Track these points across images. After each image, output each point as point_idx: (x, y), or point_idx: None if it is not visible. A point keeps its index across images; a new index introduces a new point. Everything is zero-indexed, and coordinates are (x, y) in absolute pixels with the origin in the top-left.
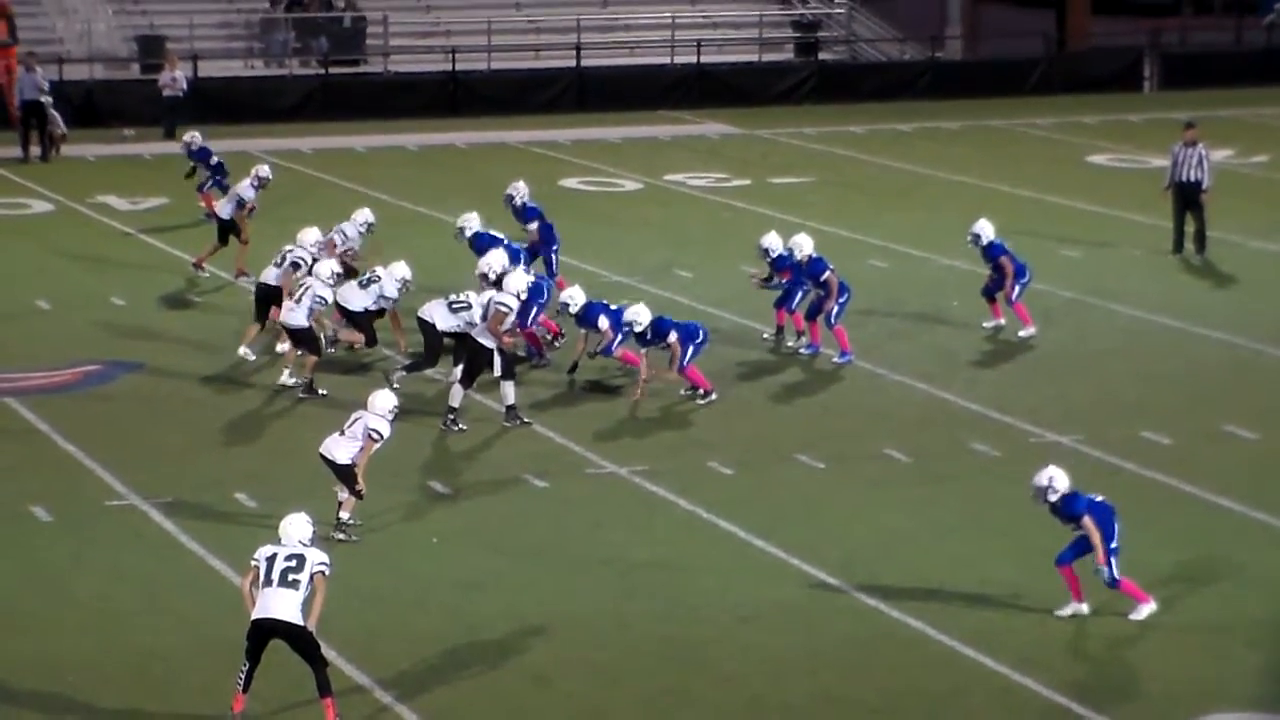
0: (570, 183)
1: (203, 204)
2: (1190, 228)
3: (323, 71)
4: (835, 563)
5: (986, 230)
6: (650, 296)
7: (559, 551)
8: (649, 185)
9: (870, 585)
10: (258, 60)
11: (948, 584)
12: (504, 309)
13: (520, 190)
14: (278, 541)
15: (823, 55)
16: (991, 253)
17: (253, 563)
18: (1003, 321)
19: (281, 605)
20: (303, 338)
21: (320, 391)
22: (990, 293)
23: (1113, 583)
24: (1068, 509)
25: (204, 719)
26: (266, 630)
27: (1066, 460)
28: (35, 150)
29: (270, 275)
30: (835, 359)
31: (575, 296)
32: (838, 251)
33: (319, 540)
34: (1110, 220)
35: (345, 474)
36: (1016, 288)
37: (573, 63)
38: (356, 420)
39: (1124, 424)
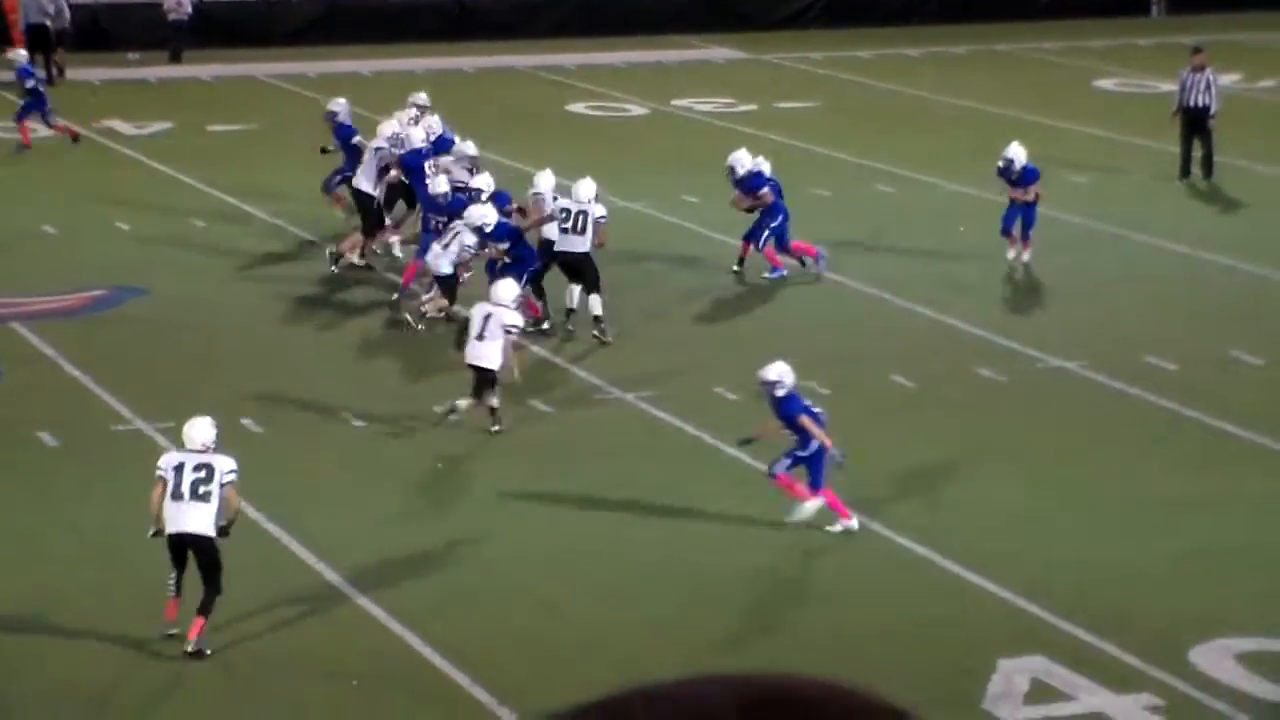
0: (577, 107)
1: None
2: (1198, 153)
3: None
4: (839, 488)
5: (1020, 154)
6: (657, 221)
7: (565, 477)
8: (656, 110)
9: (874, 511)
10: None
11: (953, 510)
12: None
13: (741, 160)
14: (183, 448)
15: None
16: (1027, 177)
17: (159, 473)
18: (1026, 255)
19: (194, 519)
20: (445, 283)
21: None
22: (1010, 225)
23: (816, 485)
24: (787, 407)
25: (210, 637)
26: (183, 545)
27: (1073, 385)
28: (41, 74)
29: (364, 182)
30: (766, 274)
31: None
32: (844, 176)
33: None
34: (1117, 145)
35: (493, 378)
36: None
37: None
38: (488, 318)
39: (1129, 350)
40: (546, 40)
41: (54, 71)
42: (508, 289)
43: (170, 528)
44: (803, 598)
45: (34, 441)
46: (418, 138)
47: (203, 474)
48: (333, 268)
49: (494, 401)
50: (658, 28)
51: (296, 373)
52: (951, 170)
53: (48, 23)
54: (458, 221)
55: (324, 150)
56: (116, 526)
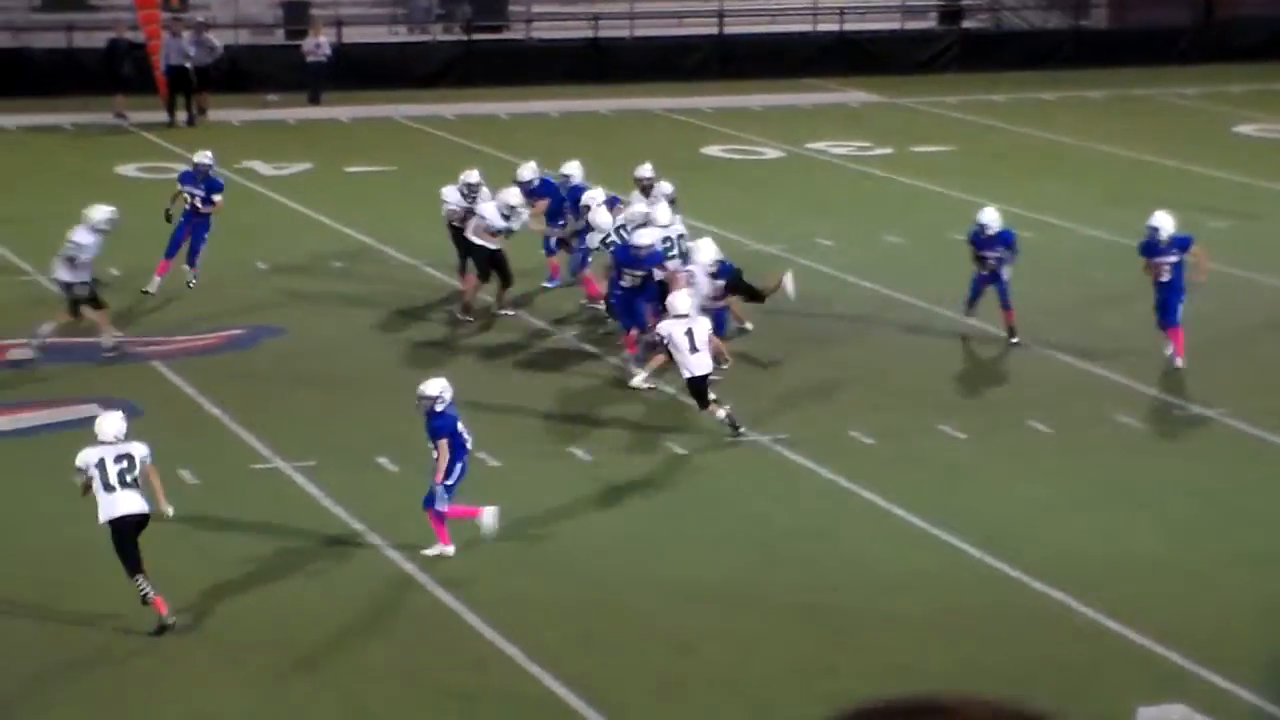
0: (712, 150)
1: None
2: None
3: (466, 38)
4: (977, 532)
5: (1167, 223)
6: (791, 264)
7: (701, 519)
8: (790, 153)
9: (1011, 555)
10: (401, 26)
11: (1089, 555)
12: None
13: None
14: (96, 441)
15: (966, 23)
16: (1178, 245)
17: (86, 474)
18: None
19: (130, 502)
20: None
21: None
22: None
23: (430, 504)
24: (438, 423)
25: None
26: (129, 526)
27: (1214, 433)
28: (182, 115)
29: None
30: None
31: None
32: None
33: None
34: (1258, 191)
35: (706, 385)
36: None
37: (715, 30)
38: (698, 327)
39: (1271, 398)
40: (682, 83)
41: (194, 112)
42: (683, 299)
43: (112, 515)
44: (940, 641)
45: (174, 479)
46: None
47: (125, 464)
48: (464, 316)
49: (721, 414)
50: (793, 71)
51: None
52: (1087, 215)
53: (187, 65)
54: (690, 266)
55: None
56: (258, 559)
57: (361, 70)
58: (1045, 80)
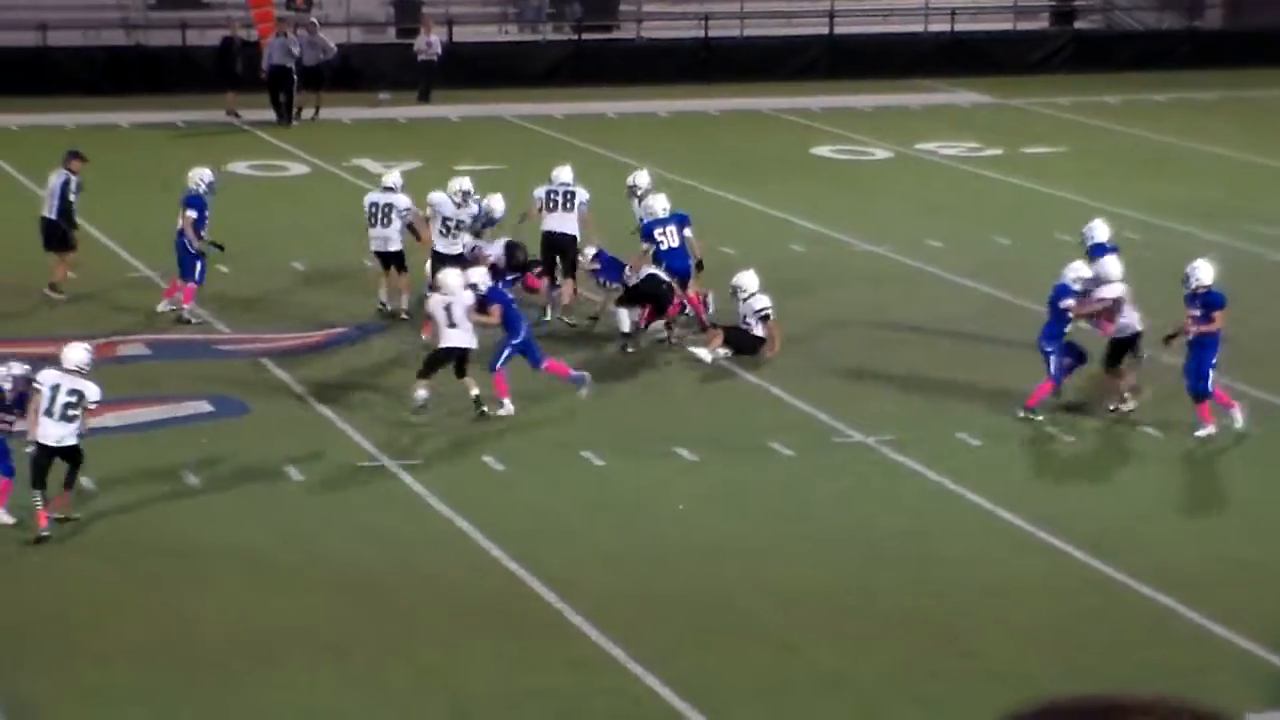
0: (821, 150)
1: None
2: None
3: (576, 37)
4: (1084, 536)
5: (1207, 271)
6: (900, 265)
7: (806, 520)
8: (900, 154)
9: (1118, 559)
10: (512, 25)
11: (1196, 560)
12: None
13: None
14: (59, 365)
15: (1078, 24)
16: (1213, 301)
17: (37, 386)
18: None
19: (60, 433)
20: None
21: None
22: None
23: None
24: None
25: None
26: (49, 452)
27: None
28: (307, 113)
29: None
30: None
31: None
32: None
33: None
34: None
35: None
36: None
37: (826, 30)
38: (458, 304)
39: None
40: (791, 83)
41: (291, 113)
42: (454, 277)
43: (40, 438)
44: (1046, 645)
45: (281, 476)
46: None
47: (74, 399)
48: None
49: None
50: (904, 71)
51: (537, 412)
52: (1197, 218)
53: (290, 65)
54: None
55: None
56: (363, 556)
57: (472, 69)
58: (1159, 81)
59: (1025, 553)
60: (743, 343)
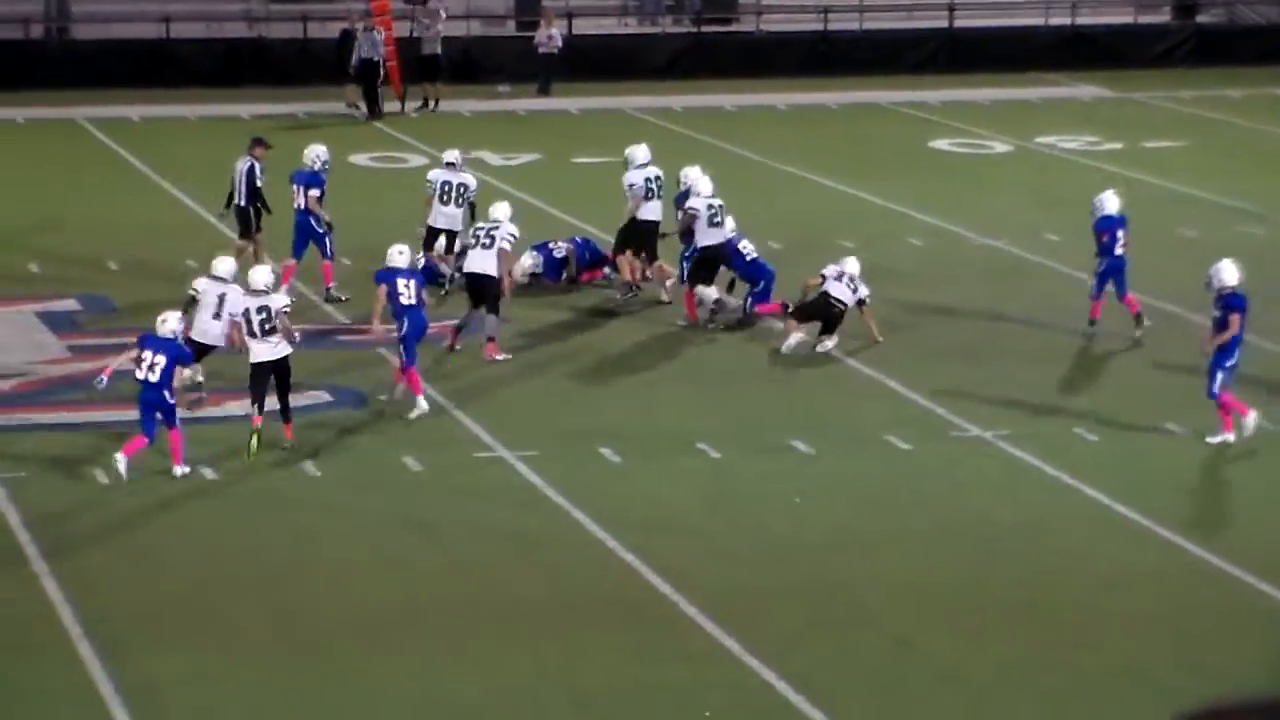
0: (940, 144)
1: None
2: None
3: (695, 30)
4: (1201, 530)
5: (1232, 271)
6: (1018, 259)
7: (922, 514)
8: (1019, 148)
9: (1235, 554)
10: (631, 18)
11: None
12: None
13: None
14: (249, 290)
15: (1200, 18)
16: (1234, 303)
17: (235, 318)
18: None
19: (270, 350)
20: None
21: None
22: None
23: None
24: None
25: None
26: (269, 368)
27: None
28: (414, 105)
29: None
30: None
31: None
32: (1211, 218)
33: None
34: None
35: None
36: None
37: (945, 23)
38: (274, 305)
39: None
40: (910, 76)
41: (379, 107)
42: (263, 273)
43: (256, 358)
44: (1162, 639)
45: (399, 466)
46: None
47: (264, 315)
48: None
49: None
50: (1023, 65)
51: (656, 401)
52: None
53: (377, 59)
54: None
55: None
56: (480, 547)
57: (591, 61)
58: None
59: (1141, 546)
60: (815, 311)
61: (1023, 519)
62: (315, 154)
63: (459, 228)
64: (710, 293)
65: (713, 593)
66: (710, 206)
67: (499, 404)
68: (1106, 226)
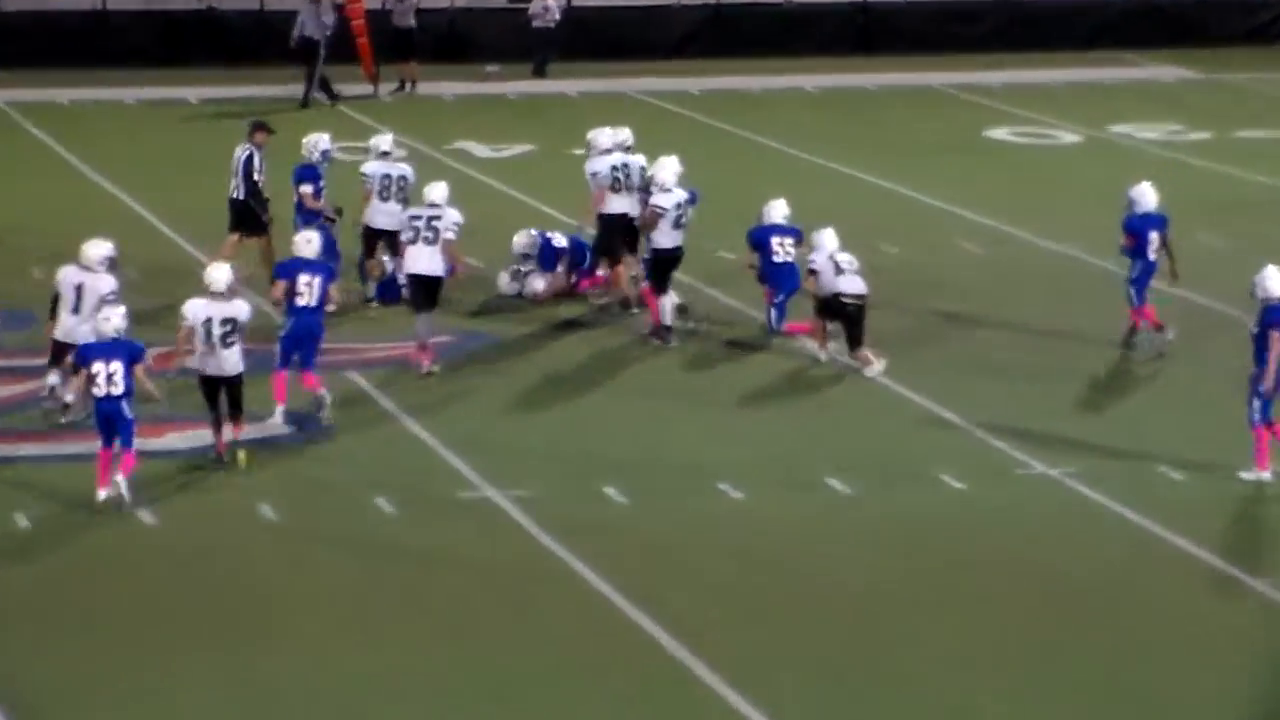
0: (998, 133)
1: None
2: None
3: (713, 1)
4: None
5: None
6: (1089, 268)
7: (980, 566)
8: (1090, 138)
9: None
10: None
11: None
12: None
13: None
14: (209, 294)
15: None
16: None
17: (188, 323)
18: None
19: (223, 364)
20: None
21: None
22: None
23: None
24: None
25: None
26: (219, 385)
27: None
28: (388, 88)
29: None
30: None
31: None
32: None
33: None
34: None
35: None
36: None
37: None
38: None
39: None
40: (963, 54)
41: (310, 93)
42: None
43: (208, 371)
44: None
45: (371, 509)
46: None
47: (229, 328)
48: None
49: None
50: (1095, 41)
51: (665, 436)
52: None
53: (318, 37)
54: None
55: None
56: (467, 602)
57: (594, 38)
58: None
59: (1242, 607)
60: (831, 307)
61: (1101, 574)
62: (314, 144)
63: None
64: (669, 302)
65: (735, 657)
66: (679, 205)
67: (484, 435)
68: (1141, 227)
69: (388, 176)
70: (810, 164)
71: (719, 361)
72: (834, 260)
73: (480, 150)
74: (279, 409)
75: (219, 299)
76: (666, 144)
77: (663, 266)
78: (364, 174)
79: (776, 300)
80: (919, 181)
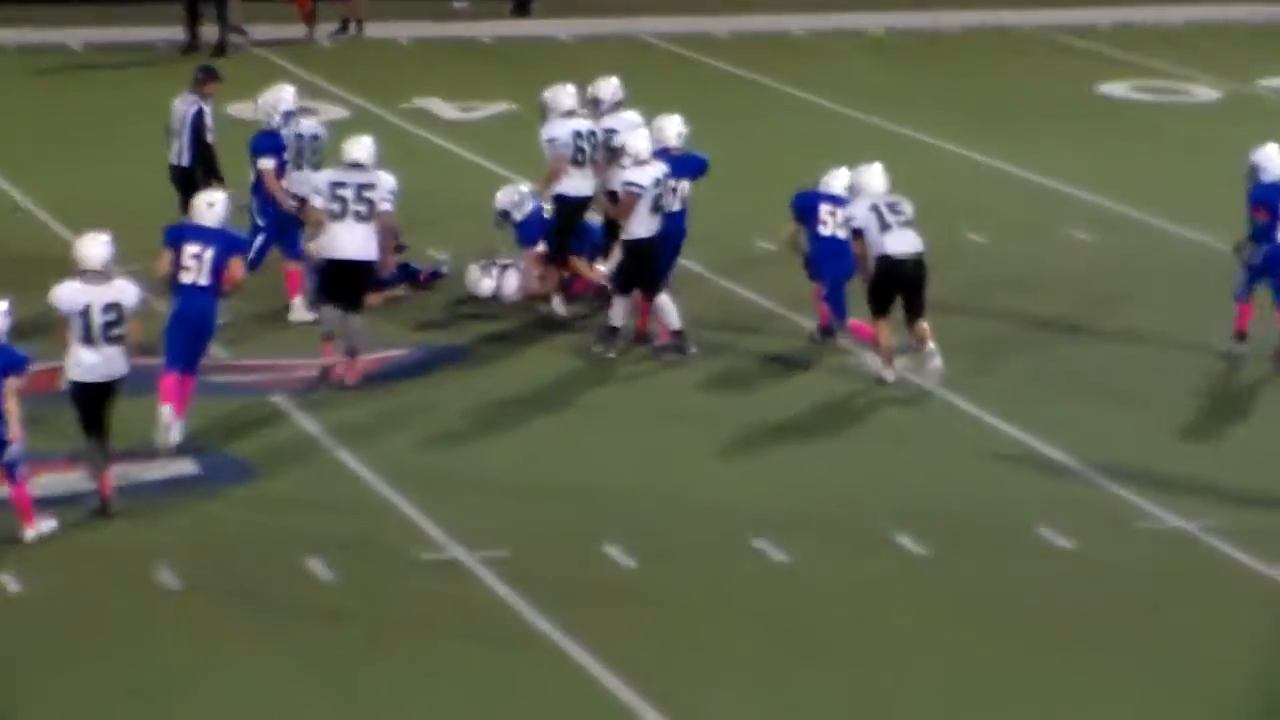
0: (1113, 88)
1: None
2: None
3: None
4: None
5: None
6: (1225, 260)
7: (1097, 643)
8: (1232, 94)
9: None
10: None
11: None
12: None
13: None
14: (83, 274)
15: None
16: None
17: (61, 313)
18: None
19: (104, 366)
20: None
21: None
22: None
23: None
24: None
25: None
26: (100, 394)
27: None
28: (328, 30)
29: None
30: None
31: None
32: None
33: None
34: None
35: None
36: None
37: None
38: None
39: None
40: None
41: (223, 35)
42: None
43: (81, 376)
44: None
45: (300, 572)
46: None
47: (114, 315)
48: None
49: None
50: None
51: (680, 479)
52: None
53: None
54: None
55: None
56: (416, 687)
57: None
58: None
59: None
60: (886, 290)
61: (1250, 657)
62: (273, 102)
63: None
64: (620, 312)
65: None
66: (658, 183)
67: (449, 477)
68: (1269, 198)
69: (299, 137)
70: (870, 128)
71: (753, 381)
72: (878, 211)
73: (445, 110)
74: (172, 424)
75: (96, 280)
76: (683, 102)
77: (639, 261)
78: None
79: (825, 292)
80: (1012, 151)
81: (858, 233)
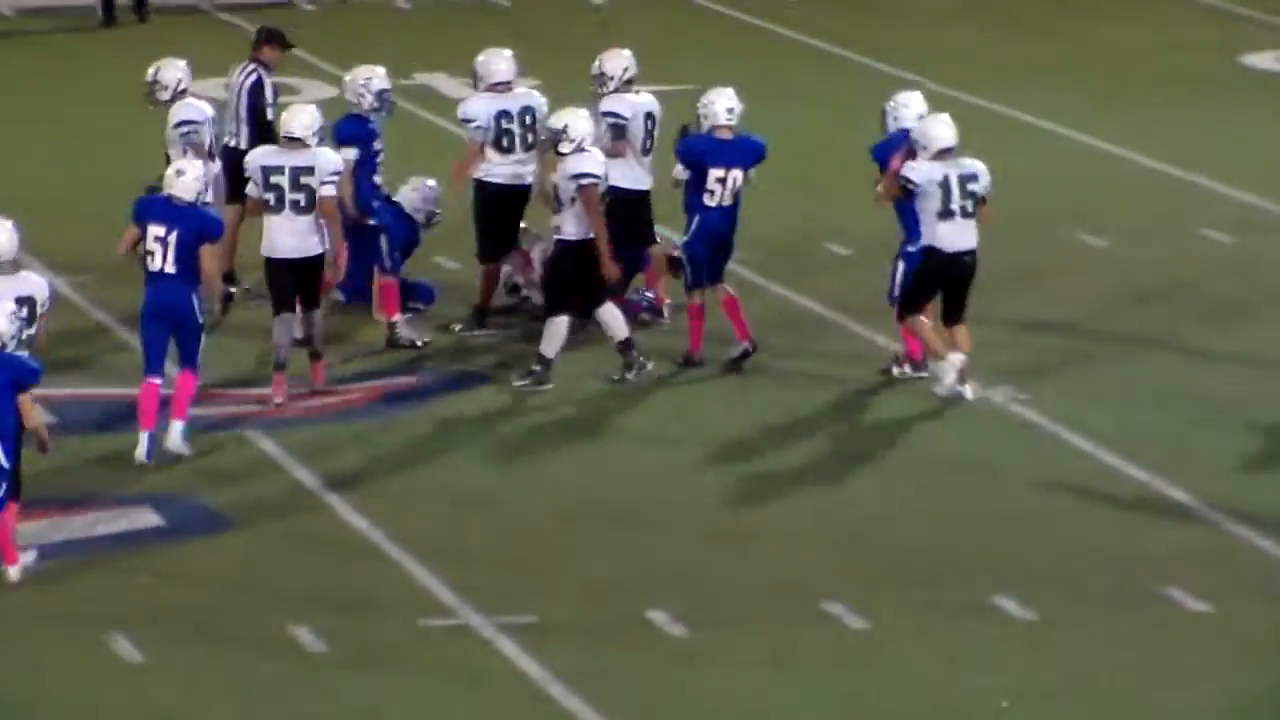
0: (1259, 60)
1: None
2: None
3: None
4: None
5: None
6: None
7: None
8: None
9: None
10: None
11: None
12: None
13: None
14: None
15: None
16: None
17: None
18: None
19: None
20: None
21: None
22: None
23: None
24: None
25: None
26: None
27: None
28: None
29: None
30: None
31: None
32: None
33: None
34: None
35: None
36: None
37: None
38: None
39: None
40: None
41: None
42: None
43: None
44: None
45: (284, 642)
46: None
47: (26, 311)
48: None
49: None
50: None
51: (751, 527)
52: None
53: None
54: None
55: None
56: None
57: None
58: None
59: None
60: (931, 279)
61: None
62: (361, 82)
63: None
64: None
65: None
66: (650, 117)
67: (463, 530)
68: None
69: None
70: (961, 105)
71: (816, 407)
72: (947, 189)
73: (448, 87)
74: (176, 425)
75: (3, 273)
76: (737, 75)
77: (611, 215)
78: (192, 121)
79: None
80: (1136, 135)
81: (910, 192)
